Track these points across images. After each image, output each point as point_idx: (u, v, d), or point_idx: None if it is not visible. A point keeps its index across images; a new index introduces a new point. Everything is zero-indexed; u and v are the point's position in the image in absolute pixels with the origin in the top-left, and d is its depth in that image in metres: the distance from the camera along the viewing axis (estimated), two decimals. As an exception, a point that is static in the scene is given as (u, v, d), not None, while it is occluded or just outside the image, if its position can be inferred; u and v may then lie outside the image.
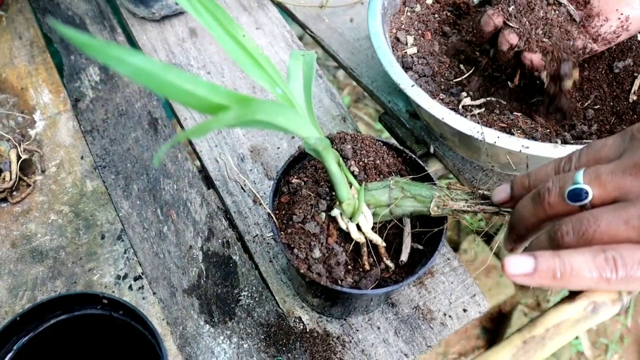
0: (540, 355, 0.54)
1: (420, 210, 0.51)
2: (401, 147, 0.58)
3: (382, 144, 0.58)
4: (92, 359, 0.54)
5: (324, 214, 0.52)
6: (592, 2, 0.61)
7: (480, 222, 0.48)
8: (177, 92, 0.32)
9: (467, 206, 0.48)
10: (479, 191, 0.48)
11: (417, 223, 0.56)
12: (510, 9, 0.61)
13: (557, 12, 0.60)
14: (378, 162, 0.56)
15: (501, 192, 0.45)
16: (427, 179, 0.55)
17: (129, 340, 0.50)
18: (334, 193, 0.51)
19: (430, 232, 0.54)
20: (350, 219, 0.51)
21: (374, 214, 0.52)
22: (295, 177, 0.57)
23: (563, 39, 0.60)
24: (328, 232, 0.52)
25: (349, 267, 0.54)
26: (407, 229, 0.55)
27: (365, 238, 0.52)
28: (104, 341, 0.53)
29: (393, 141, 0.64)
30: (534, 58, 0.61)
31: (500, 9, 0.62)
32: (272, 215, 0.53)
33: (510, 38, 0.61)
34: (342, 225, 0.52)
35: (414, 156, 0.57)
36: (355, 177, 0.54)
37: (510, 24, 0.61)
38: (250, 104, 0.35)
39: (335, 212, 0.52)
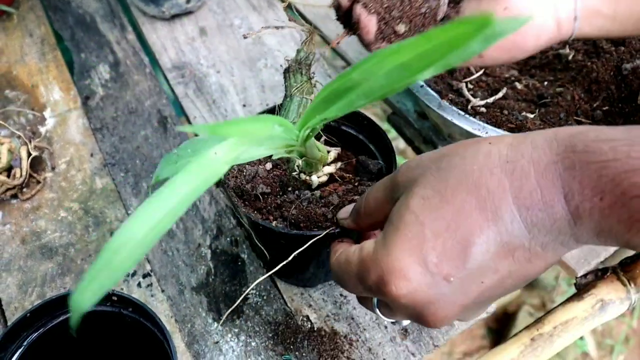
0: (548, 352, 0.54)
1: None
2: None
3: None
4: (102, 356, 0.55)
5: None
6: (461, 5, 0.54)
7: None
8: None
9: None
10: None
11: None
12: None
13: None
14: None
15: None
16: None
17: (138, 337, 0.50)
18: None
19: None
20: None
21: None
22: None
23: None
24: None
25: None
26: None
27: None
28: (113, 338, 0.53)
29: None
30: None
31: None
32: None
33: None
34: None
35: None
36: None
37: None
38: None
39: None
